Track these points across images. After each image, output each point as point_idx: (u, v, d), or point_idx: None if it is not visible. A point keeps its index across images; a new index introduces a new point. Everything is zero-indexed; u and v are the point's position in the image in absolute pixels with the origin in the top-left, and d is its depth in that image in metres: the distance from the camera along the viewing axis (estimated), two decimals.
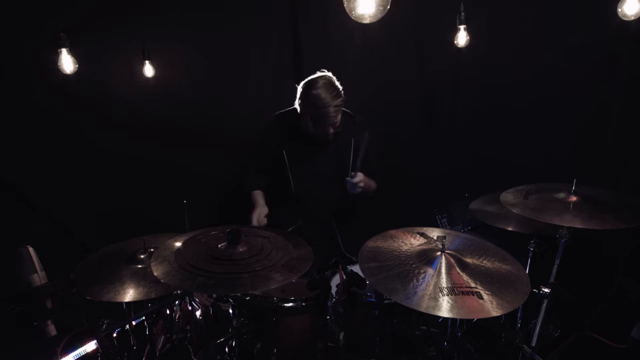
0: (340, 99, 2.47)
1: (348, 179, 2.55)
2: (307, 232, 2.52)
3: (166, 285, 1.87)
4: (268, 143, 2.73)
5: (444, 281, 1.67)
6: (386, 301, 2.05)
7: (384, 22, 1.80)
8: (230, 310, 2.13)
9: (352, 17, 1.70)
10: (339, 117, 2.53)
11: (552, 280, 2.23)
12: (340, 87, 2.52)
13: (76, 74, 2.65)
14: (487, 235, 2.13)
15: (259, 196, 2.69)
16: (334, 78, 2.53)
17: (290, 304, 2.09)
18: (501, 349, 2.35)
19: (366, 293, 2.08)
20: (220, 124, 3.27)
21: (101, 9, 2.79)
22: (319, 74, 2.55)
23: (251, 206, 2.66)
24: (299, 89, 2.55)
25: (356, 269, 1.93)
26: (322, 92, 2.43)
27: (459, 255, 1.83)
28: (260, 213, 2.59)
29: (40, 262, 1.64)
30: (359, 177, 2.54)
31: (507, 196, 2.32)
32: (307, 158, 2.69)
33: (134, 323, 2.19)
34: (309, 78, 2.54)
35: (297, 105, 2.60)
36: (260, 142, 2.81)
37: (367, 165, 2.60)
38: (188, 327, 2.23)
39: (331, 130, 2.56)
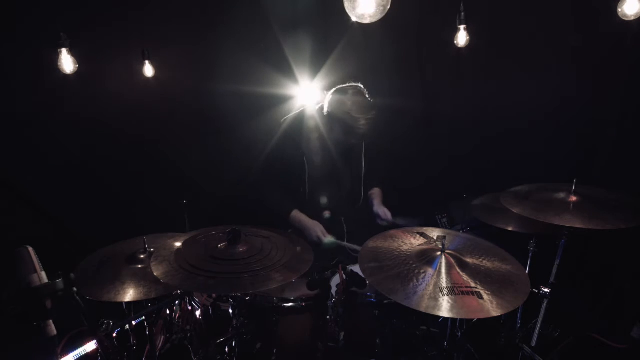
0: (373, 112, 2.45)
1: (380, 221, 2.70)
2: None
3: (166, 285, 1.87)
4: (286, 149, 2.65)
5: (444, 281, 1.67)
6: (386, 301, 2.05)
7: (384, 22, 1.80)
8: (230, 310, 2.13)
9: (352, 17, 1.70)
10: (369, 128, 2.50)
11: (552, 280, 2.23)
12: (366, 97, 2.50)
13: (76, 74, 2.65)
14: (487, 235, 2.13)
15: (302, 215, 2.62)
16: (365, 90, 2.52)
17: (290, 304, 2.09)
18: (501, 349, 2.35)
19: (366, 293, 2.08)
20: (220, 123, 3.27)
21: (101, 9, 2.79)
22: (348, 84, 2.53)
23: (301, 227, 2.59)
24: (329, 96, 2.52)
25: (356, 269, 1.93)
26: (356, 105, 2.42)
27: (459, 255, 1.83)
28: (322, 230, 2.56)
29: (40, 262, 1.63)
30: (387, 215, 2.68)
31: (507, 196, 2.32)
32: (322, 160, 2.67)
33: (134, 323, 2.19)
34: (339, 87, 2.52)
35: (326, 111, 2.54)
36: (277, 149, 2.69)
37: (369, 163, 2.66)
38: (188, 327, 2.22)
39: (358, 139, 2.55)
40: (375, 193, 2.87)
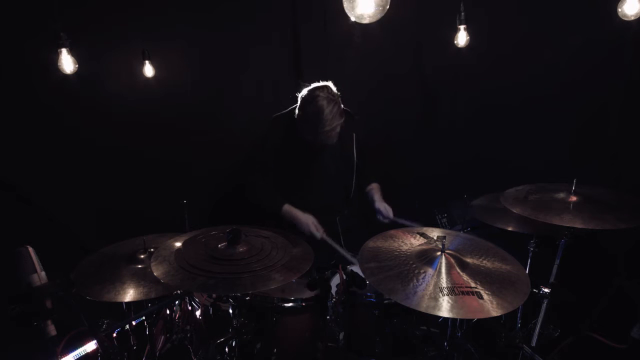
0: (338, 122, 2.42)
1: (381, 217, 2.71)
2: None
3: (166, 285, 1.87)
4: (270, 147, 2.67)
5: (444, 281, 1.67)
6: (386, 301, 2.05)
7: (384, 22, 1.79)
8: (230, 310, 2.13)
9: (351, 17, 1.70)
10: (337, 133, 2.49)
11: (552, 280, 2.23)
12: (340, 102, 2.44)
13: (76, 74, 2.64)
14: (487, 235, 2.13)
15: (293, 208, 2.59)
16: (336, 93, 2.45)
17: (290, 304, 2.09)
18: (501, 349, 2.35)
19: (366, 293, 2.08)
20: (220, 124, 3.27)
21: (101, 8, 2.79)
22: (321, 83, 2.48)
23: (293, 221, 2.56)
24: (300, 99, 2.49)
25: (356, 269, 1.93)
26: (322, 115, 2.36)
27: (459, 255, 1.83)
28: (314, 222, 2.53)
29: (40, 262, 1.64)
30: (389, 212, 2.69)
31: (507, 196, 2.32)
32: (310, 160, 2.67)
33: (134, 323, 2.19)
34: (310, 89, 2.46)
35: (297, 115, 2.54)
36: (262, 147, 2.71)
37: (361, 156, 2.68)
38: (188, 327, 2.23)
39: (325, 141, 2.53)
40: (374, 188, 2.84)
